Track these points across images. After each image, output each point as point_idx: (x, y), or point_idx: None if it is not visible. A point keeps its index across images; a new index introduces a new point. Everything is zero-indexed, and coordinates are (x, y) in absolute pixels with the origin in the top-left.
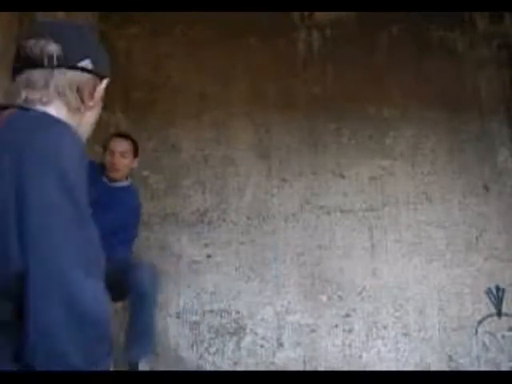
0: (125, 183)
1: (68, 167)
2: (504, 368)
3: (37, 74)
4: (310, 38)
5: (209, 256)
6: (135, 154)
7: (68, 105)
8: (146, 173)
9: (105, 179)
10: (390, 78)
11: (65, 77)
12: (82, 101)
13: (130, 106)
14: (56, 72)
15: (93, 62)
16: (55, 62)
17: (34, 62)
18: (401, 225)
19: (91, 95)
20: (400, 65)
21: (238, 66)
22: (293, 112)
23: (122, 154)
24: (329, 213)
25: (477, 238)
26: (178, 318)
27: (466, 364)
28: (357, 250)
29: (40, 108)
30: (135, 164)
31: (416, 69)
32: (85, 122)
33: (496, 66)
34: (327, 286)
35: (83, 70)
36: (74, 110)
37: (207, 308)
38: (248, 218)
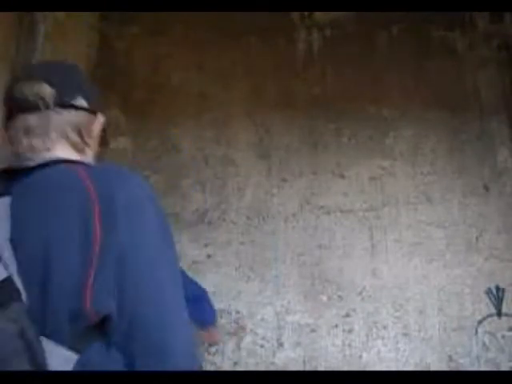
0: None
1: (157, 204)
2: (504, 368)
3: (34, 119)
4: (310, 38)
5: (209, 256)
6: None
7: (74, 146)
8: (146, 173)
9: None
10: (389, 78)
11: (62, 118)
12: (83, 140)
13: (129, 105)
14: (52, 114)
15: (86, 99)
16: (51, 104)
17: (27, 106)
18: (401, 225)
19: (89, 134)
20: (400, 65)
21: (238, 66)
22: (293, 112)
23: None
24: (329, 213)
25: (477, 238)
26: None
27: (466, 364)
28: (357, 250)
29: (47, 154)
30: None
31: (416, 69)
32: (90, 160)
33: (496, 65)
34: (327, 286)
35: (78, 108)
36: (81, 151)
37: None
38: (248, 217)
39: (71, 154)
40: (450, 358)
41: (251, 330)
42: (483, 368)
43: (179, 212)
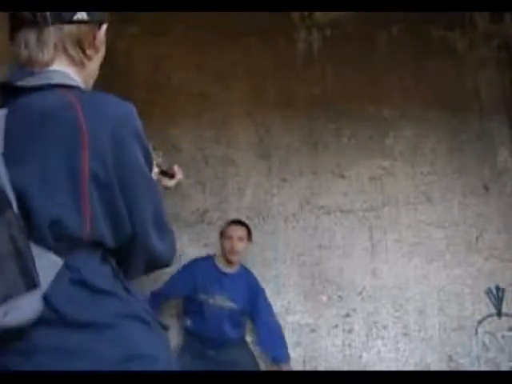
0: (236, 270)
1: (143, 135)
2: (504, 368)
3: (33, 33)
4: (310, 38)
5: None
6: (249, 238)
7: (71, 60)
8: None
9: (218, 265)
10: (389, 78)
11: (62, 32)
12: (84, 53)
13: None
14: (52, 29)
15: (88, 12)
16: (49, 19)
17: (28, 21)
18: (401, 225)
19: (91, 45)
20: (400, 65)
21: (238, 66)
22: (293, 112)
23: (240, 239)
24: (329, 213)
25: (477, 238)
26: (178, 318)
27: (466, 364)
28: (357, 250)
29: (44, 69)
30: (249, 247)
31: (416, 69)
32: (91, 73)
33: (496, 65)
34: (327, 286)
35: (80, 22)
36: (79, 64)
37: None
38: (248, 218)
39: (68, 68)
40: (450, 358)
41: (251, 330)
42: (483, 368)
43: (179, 212)
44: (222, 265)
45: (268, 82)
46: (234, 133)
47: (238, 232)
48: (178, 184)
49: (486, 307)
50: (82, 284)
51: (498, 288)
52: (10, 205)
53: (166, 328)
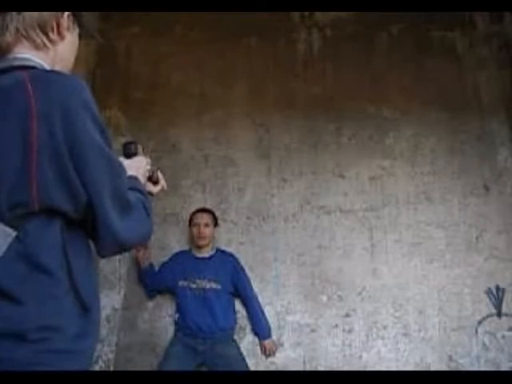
0: (211, 253)
1: (94, 109)
2: (504, 368)
3: (0, 21)
4: (310, 38)
5: None
6: (215, 223)
7: (34, 44)
8: None
9: (193, 252)
10: (389, 78)
11: (24, 17)
12: (47, 37)
13: (129, 105)
14: (14, 14)
15: None
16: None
17: None
18: (401, 225)
19: (55, 30)
20: (400, 65)
21: (238, 66)
22: (293, 112)
23: (206, 225)
24: (329, 213)
25: (477, 238)
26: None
27: (466, 364)
28: (357, 250)
29: (8, 54)
30: (216, 232)
31: (416, 69)
32: (60, 57)
33: (496, 65)
34: (327, 286)
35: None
36: (42, 48)
37: None
38: (248, 218)
39: (31, 52)
40: (450, 358)
41: (251, 330)
42: (483, 368)
43: (179, 212)
44: (195, 251)
45: (268, 82)
46: (234, 133)
47: (204, 219)
48: (178, 184)
49: (486, 307)
50: (24, 257)
51: (498, 288)
52: None
53: (86, 309)
